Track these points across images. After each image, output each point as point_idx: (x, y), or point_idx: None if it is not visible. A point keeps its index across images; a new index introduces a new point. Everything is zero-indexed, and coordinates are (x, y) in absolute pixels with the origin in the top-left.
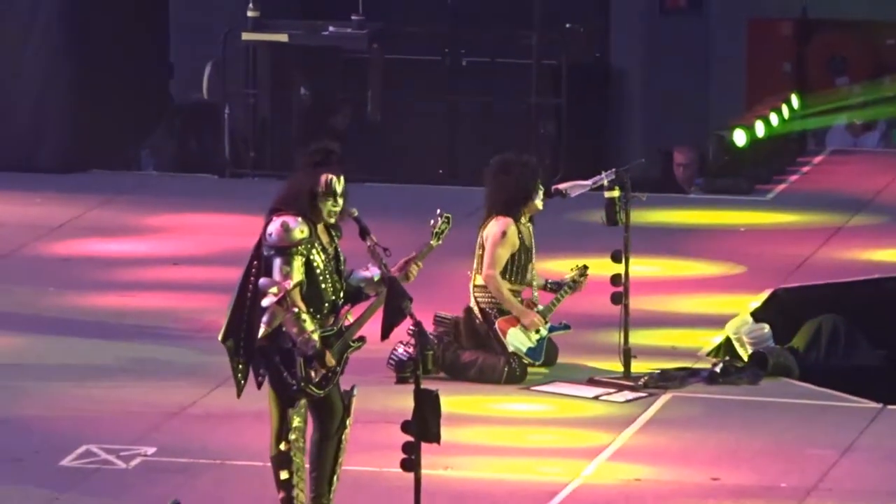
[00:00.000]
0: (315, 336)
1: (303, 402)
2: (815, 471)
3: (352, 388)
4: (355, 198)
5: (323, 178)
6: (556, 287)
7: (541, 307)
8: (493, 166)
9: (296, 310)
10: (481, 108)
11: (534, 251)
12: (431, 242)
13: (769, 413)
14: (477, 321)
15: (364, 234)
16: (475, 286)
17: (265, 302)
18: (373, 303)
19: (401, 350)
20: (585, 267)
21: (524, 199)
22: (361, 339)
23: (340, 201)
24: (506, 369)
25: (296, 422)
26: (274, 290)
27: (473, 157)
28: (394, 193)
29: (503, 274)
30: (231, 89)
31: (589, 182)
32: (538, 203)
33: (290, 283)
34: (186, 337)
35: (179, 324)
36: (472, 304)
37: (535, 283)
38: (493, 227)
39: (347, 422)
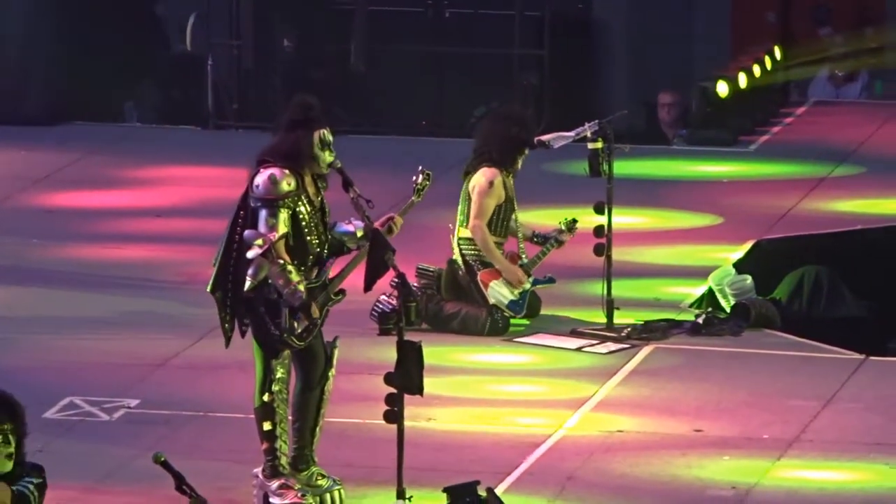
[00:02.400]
0: (301, 287)
1: (286, 353)
2: (797, 422)
3: (334, 340)
4: (338, 150)
5: (316, 134)
6: (542, 240)
7: (525, 260)
8: (493, 115)
9: (281, 262)
10: (465, 60)
11: (516, 202)
12: (413, 199)
13: (751, 364)
14: (459, 273)
15: (347, 185)
16: (459, 238)
17: (250, 254)
18: (356, 256)
19: (384, 301)
20: (574, 221)
21: (520, 150)
22: (342, 292)
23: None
24: (488, 321)
25: (279, 373)
26: (259, 242)
27: (457, 108)
28: (377, 145)
29: (487, 226)
30: (214, 40)
31: (572, 133)
32: (523, 159)
33: (275, 236)
34: (171, 289)
35: (163, 275)
36: (456, 255)
37: (520, 235)
38: (480, 177)
39: (330, 373)
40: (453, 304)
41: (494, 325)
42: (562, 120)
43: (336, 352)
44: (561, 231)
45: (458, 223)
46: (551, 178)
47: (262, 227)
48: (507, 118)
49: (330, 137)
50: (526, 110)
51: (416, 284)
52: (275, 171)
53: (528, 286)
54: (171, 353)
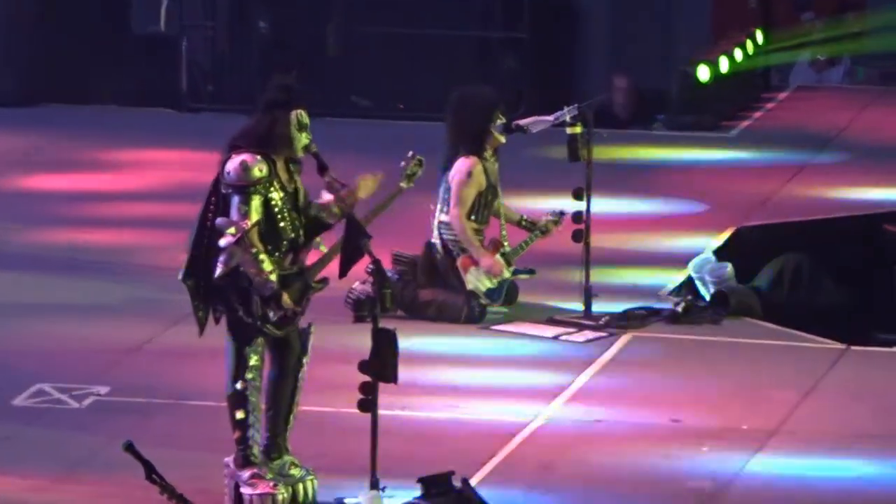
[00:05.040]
0: (273, 277)
1: (260, 340)
2: (777, 412)
3: (308, 326)
4: (313, 133)
5: (293, 115)
6: (529, 226)
7: (508, 248)
8: (451, 102)
9: (254, 250)
10: (443, 42)
11: (499, 188)
12: (402, 184)
13: (731, 353)
14: (438, 257)
15: (322, 169)
16: (440, 222)
17: (223, 242)
18: (335, 244)
19: (358, 289)
20: (562, 213)
21: (483, 132)
22: (324, 280)
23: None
24: (465, 309)
25: (252, 360)
26: (232, 230)
27: (435, 91)
28: (352, 128)
29: (469, 214)
30: (189, 21)
31: (551, 118)
32: (499, 136)
33: (248, 224)
34: (144, 273)
35: (137, 260)
36: (435, 238)
37: (503, 220)
38: (459, 165)
39: (304, 360)
40: (429, 291)
41: (471, 314)
42: (541, 104)
43: (311, 339)
44: (549, 221)
45: (438, 207)
46: (530, 163)
47: (234, 215)
48: (465, 107)
49: (306, 119)
50: (481, 88)
51: (391, 271)
52: (246, 157)
53: (507, 275)
54: (143, 340)
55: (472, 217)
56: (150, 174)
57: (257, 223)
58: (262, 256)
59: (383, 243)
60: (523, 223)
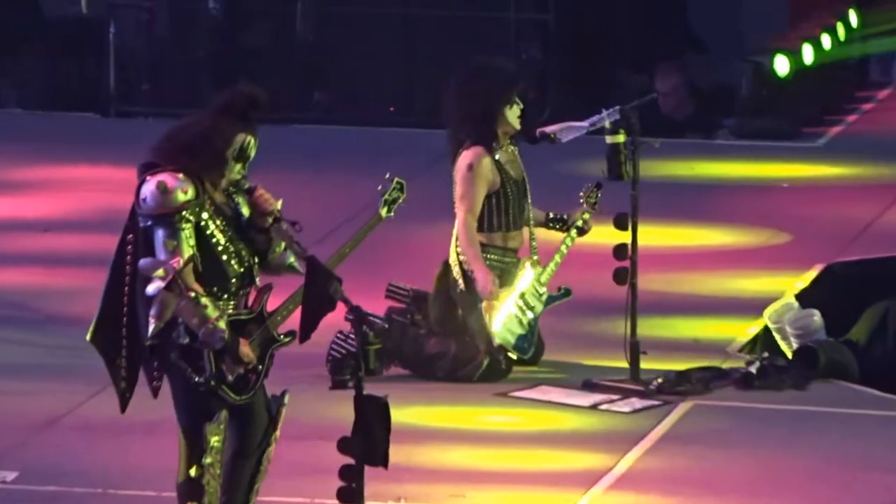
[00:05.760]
0: (221, 324)
1: (223, 414)
2: (877, 500)
3: (282, 395)
4: (279, 142)
5: (240, 137)
6: (559, 224)
7: (540, 269)
8: (455, 78)
9: (192, 294)
10: (445, 27)
11: (528, 184)
12: (380, 212)
13: (819, 425)
14: (452, 282)
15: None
16: (457, 238)
17: (151, 289)
18: (295, 293)
19: (339, 342)
20: (598, 186)
21: (492, 115)
22: (291, 333)
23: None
24: (485, 362)
25: (213, 440)
26: (160, 272)
27: (434, 90)
28: (330, 138)
29: (480, 223)
30: (118, 1)
31: (585, 124)
32: (512, 119)
33: (179, 261)
34: (58, 324)
35: (50, 306)
36: (452, 259)
37: (531, 225)
38: (460, 160)
39: (272, 437)
40: (439, 340)
41: (494, 368)
42: (571, 105)
43: (283, 410)
44: (583, 211)
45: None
46: (558, 182)
47: (160, 253)
48: (473, 82)
49: (252, 152)
50: (496, 60)
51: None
52: (165, 177)
53: (540, 308)
54: (60, 411)
55: (485, 224)
56: (67, 197)
57: (191, 259)
58: (204, 300)
59: (374, 277)
60: (551, 223)
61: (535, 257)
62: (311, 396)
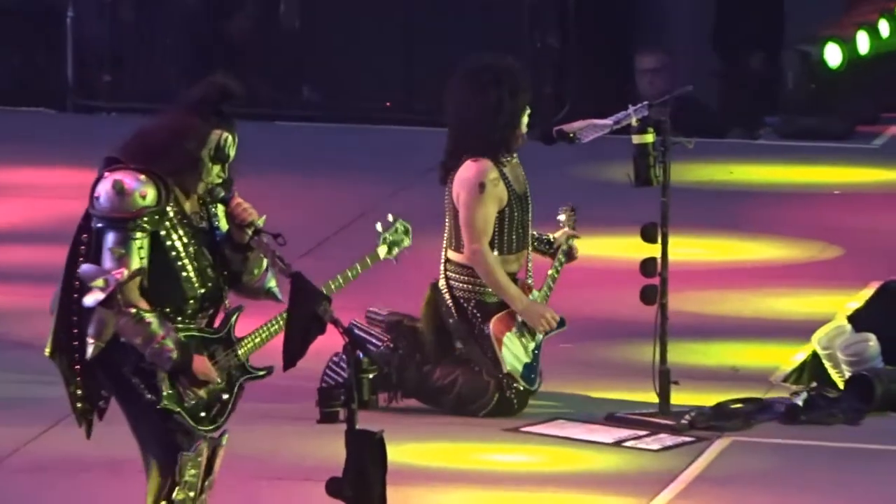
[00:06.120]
0: (169, 343)
1: (203, 447)
2: None
3: (219, 435)
4: (262, 142)
5: (216, 134)
6: (545, 248)
7: (535, 292)
8: (457, 78)
9: (133, 311)
10: (450, 12)
11: (531, 199)
12: (378, 250)
13: (876, 465)
14: (444, 310)
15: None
16: (447, 262)
17: (88, 301)
18: (282, 313)
19: (332, 369)
20: (573, 210)
21: (509, 126)
22: (268, 368)
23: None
24: (494, 398)
25: (189, 474)
26: (99, 282)
27: (436, 83)
28: (319, 137)
29: (492, 244)
30: None
31: (609, 121)
32: (524, 129)
33: (123, 274)
34: (6, 348)
35: None
36: (442, 284)
37: (531, 248)
38: (465, 174)
39: (206, 482)
40: (445, 368)
41: (504, 403)
42: (594, 99)
43: (221, 452)
44: (565, 232)
45: (445, 239)
46: (576, 189)
47: (105, 261)
48: (480, 97)
49: (232, 151)
50: (504, 59)
51: (379, 339)
52: (124, 175)
53: (540, 337)
54: (4, 450)
55: (499, 247)
56: (17, 203)
57: (138, 273)
58: (148, 317)
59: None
60: (536, 242)
61: (531, 280)
62: (294, 431)
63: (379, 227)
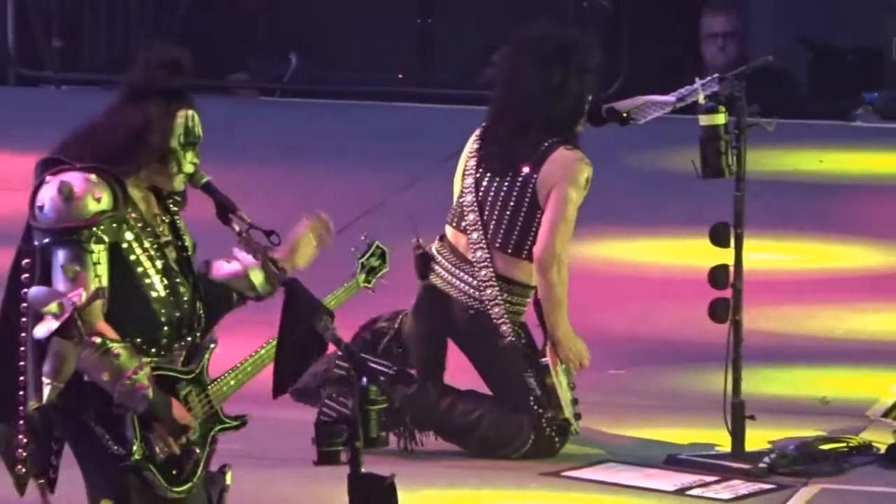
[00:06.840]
0: (143, 378)
1: None
2: None
3: (222, 473)
4: (243, 121)
5: (181, 116)
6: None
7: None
8: (512, 49)
9: (96, 340)
10: None
11: None
12: (357, 278)
13: None
14: (504, 338)
15: (225, 211)
16: (474, 262)
17: (40, 331)
18: (270, 340)
19: (335, 399)
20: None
21: (573, 111)
22: (241, 417)
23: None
24: (530, 439)
25: None
26: (53, 307)
27: (460, 53)
28: (321, 114)
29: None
30: None
31: (671, 98)
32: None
33: (81, 295)
34: None
35: None
36: (490, 293)
37: None
38: (569, 165)
39: None
40: (468, 402)
41: (543, 443)
42: (652, 73)
43: (225, 497)
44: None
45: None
46: (630, 180)
47: (57, 282)
48: (547, 56)
49: (199, 129)
50: (573, 31)
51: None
52: (70, 177)
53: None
54: None
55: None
56: None
57: (99, 294)
58: (116, 347)
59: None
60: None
61: None
62: (287, 473)
63: (353, 250)
